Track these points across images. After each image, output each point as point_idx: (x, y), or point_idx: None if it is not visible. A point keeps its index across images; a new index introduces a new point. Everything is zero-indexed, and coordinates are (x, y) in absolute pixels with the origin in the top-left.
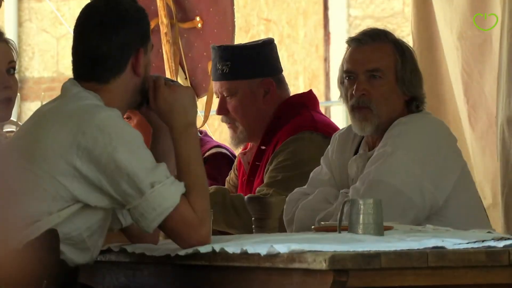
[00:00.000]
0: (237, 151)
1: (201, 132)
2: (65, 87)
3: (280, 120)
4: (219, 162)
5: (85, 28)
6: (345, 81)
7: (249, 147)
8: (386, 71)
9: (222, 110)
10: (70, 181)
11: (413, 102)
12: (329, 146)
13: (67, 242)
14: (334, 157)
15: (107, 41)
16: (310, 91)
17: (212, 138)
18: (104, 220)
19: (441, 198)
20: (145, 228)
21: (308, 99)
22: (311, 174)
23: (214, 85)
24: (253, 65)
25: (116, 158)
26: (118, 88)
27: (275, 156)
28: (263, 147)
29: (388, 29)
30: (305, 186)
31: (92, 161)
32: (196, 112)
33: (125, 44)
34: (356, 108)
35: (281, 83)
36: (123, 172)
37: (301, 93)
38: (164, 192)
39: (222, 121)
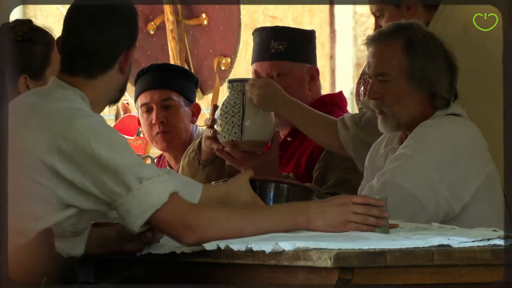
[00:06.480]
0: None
1: None
2: (49, 85)
3: None
4: None
5: (78, 20)
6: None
7: None
8: (392, 73)
9: None
10: (55, 184)
11: (437, 98)
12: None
13: (57, 235)
14: (367, 163)
15: (99, 35)
16: (341, 92)
17: None
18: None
19: (458, 206)
20: (130, 225)
21: (339, 99)
22: None
23: (261, 65)
24: (306, 50)
25: (97, 158)
26: (103, 84)
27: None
28: (289, 139)
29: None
30: None
31: (74, 164)
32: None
33: (117, 41)
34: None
35: (319, 76)
36: (107, 170)
37: (333, 93)
38: (151, 189)
39: None
